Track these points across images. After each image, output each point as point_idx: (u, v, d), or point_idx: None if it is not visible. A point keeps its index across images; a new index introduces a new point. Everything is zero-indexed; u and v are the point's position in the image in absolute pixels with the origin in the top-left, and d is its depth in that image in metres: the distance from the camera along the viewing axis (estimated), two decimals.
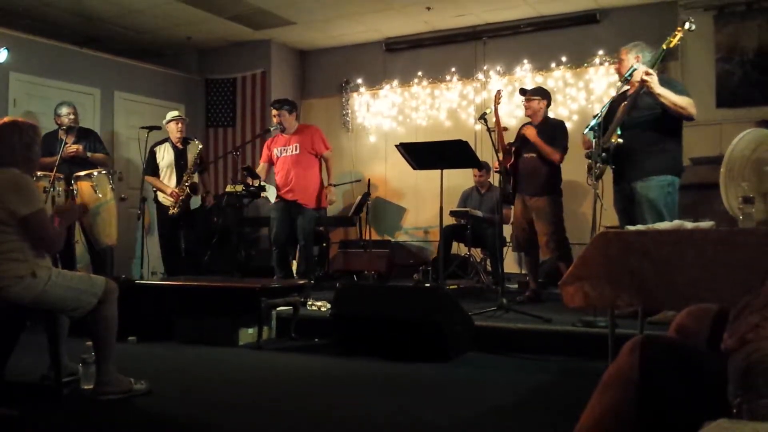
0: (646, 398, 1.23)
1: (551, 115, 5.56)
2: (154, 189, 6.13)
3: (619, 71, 4.30)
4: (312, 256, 5.86)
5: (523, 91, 5.34)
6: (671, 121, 4.10)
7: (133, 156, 7.47)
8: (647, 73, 3.92)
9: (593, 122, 3.92)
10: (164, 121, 6.20)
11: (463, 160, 5.10)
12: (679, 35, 3.94)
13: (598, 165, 3.92)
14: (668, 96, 3.96)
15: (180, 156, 6.05)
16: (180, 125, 6.10)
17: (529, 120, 5.34)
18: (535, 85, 6.10)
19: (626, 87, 4.24)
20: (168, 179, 6.05)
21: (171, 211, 5.96)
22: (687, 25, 3.89)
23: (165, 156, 6.09)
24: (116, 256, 6.49)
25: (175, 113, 6.30)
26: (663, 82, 4.03)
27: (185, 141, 6.13)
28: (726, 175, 2.84)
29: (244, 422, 2.69)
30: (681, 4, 6.32)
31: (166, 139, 6.17)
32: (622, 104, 4.15)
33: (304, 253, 5.66)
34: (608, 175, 4.22)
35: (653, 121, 4.10)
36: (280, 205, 5.69)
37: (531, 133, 5.15)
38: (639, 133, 4.09)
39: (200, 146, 6.16)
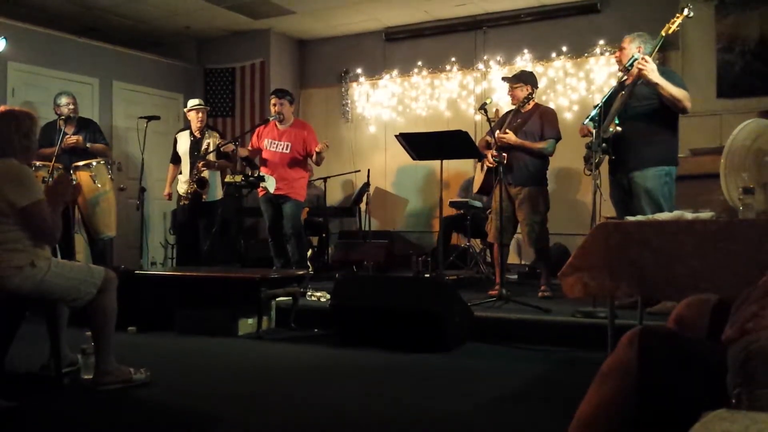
0: (645, 389, 1.23)
1: (549, 103, 5.40)
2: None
3: (620, 60, 4.28)
4: (303, 245, 5.86)
5: (505, 79, 5.20)
6: (668, 112, 4.10)
7: (131, 146, 7.45)
8: (644, 61, 3.90)
9: (593, 112, 3.91)
10: (185, 110, 6.16)
11: (463, 151, 5.06)
12: (679, 20, 3.94)
13: (598, 155, 3.90)
14: (665, 86, 3.95)
15: (195, 146, 5.96)
16: (200, 114, 6.01)
17: (512, 107, 5.11)
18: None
19: (626, 77, 4.22)
20: (184, 168, 6.03)
21: (182, 202, 5.95)
22: (686, 12, 3.89)
23: (182, 145, 6.06)
24: (115, 246, 6.50)
25: (196, 102, 6.16)
26: (662, 74, 4.02)
27: (204, 131, 6.04)
28: (726, 166, 2.83)
29: (244, 412, 2.69)
30: None
31: (188, 127, 6.13)
32: (620, 94, 4.14)
33: (296, 243, 5.66)
34: (604, 166, 4.18)
35: (650, 111, 4.10)
36: (267, 198, 5.68)
37: (510, 139, 4.87)
38: (636, 123, 4.08)
39: (217, 137, 6.01)
